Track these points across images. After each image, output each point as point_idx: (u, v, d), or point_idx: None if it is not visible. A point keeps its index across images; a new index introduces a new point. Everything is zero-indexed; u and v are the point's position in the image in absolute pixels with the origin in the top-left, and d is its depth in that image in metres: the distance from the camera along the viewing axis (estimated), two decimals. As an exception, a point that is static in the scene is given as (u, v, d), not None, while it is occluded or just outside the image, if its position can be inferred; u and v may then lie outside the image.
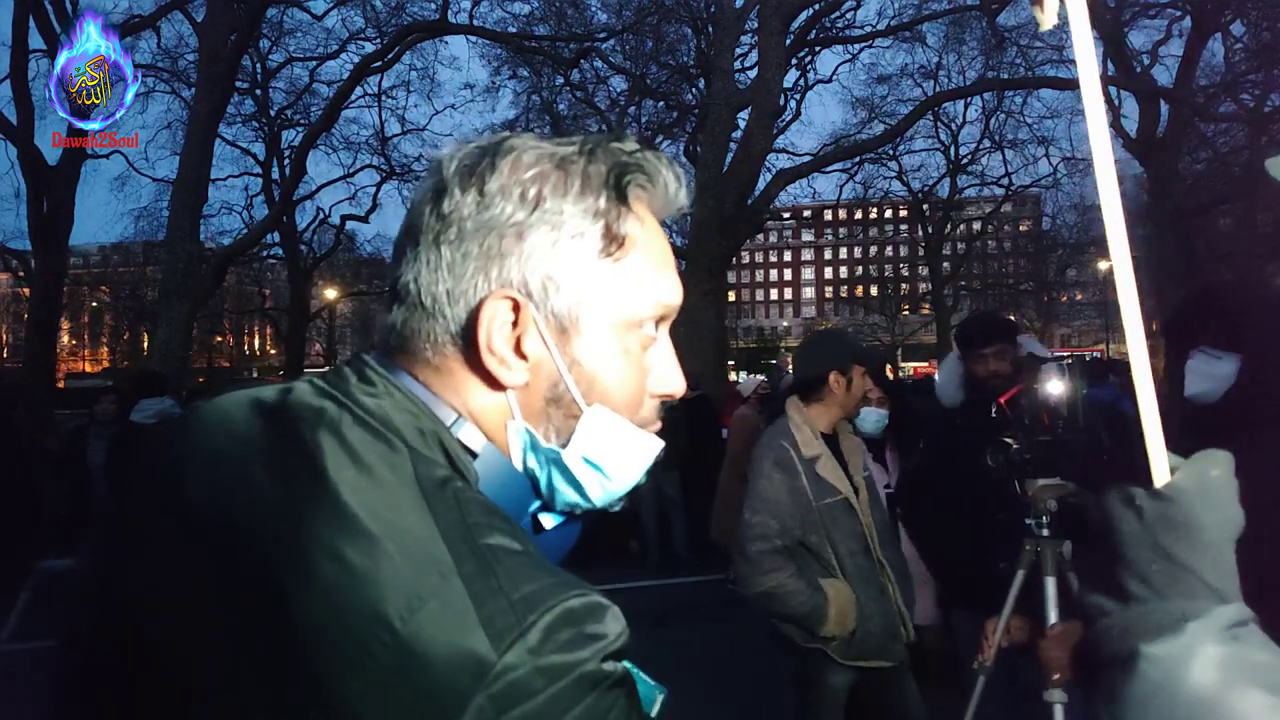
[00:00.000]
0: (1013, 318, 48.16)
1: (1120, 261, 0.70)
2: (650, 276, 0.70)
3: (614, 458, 0.70)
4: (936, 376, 3.30)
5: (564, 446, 0.69)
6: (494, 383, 0.67)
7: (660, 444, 0.74)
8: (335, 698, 0.55)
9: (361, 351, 0.72)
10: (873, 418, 3.64)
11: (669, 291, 0.72)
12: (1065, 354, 2.91)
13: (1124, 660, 0.65)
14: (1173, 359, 3.31)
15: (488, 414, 0.68)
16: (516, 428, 0.68)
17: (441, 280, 0.66)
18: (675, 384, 0.75)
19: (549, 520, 0.73)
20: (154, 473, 0.71)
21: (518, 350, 0.66)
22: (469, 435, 0.67)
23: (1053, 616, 2.00)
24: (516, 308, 0.66)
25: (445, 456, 0.65)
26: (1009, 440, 2.00)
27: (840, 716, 2.69)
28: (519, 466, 0.69)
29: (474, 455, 0.67)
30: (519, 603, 0.55)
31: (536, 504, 0.71)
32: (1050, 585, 2.01)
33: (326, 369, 0.75)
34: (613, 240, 0.67)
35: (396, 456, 0.62)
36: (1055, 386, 1.97)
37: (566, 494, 0.70)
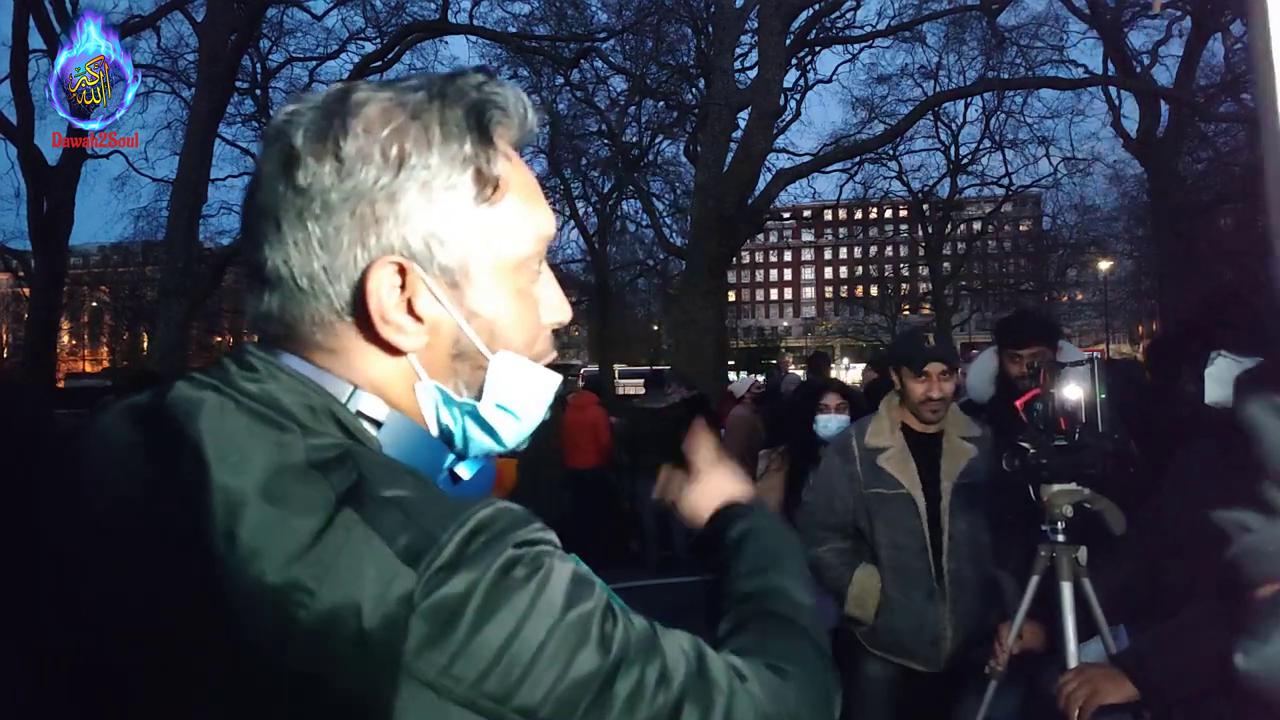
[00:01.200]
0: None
1: None
2: (527, 213, 0.69)
3: (523, 399, 0.70)
4: (968, 371, 3.21)
5: (477, 399, 0.69)
6: (393, 350, 0.66)
7: (555, 379, 0.73)
8: (277, 674, 0.55)
9: (243, 342, 0.71)
10: (832, 425, 3.55)
11: (545, 222, 0.71)
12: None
13: None
14: (1189, 362, 3.25)
15: (392, 381, 0.67)
16: (425, 388, 0.67)
17: (316, 259, 0.63)
18: (564, 312, 0.74)
19: (465, 470, 0.73)
20: (58, 503, 0.69)
21: (412, 314, 0.65)
22: (369, 405, 0.65)
23: (1069, 624, 1.95)
24: (403, 271, 0.64)
25: (341, 430, 0.63)
26: (1025, 445, 1.95)
27: (876, 706, 2.70)
28: (433, 425, 0.69)
29: (379, 424, 0.65)
30: (430, 527, 0.56)
31: (451, 458, 0.71)
32: (1066, 592, 1.97)
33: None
34: (486, 184, 0.66)
35: (286, 435, 0.61)
36: (1074, 391, 1.93)
37: (483, 442, 0.70)
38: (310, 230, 0.63)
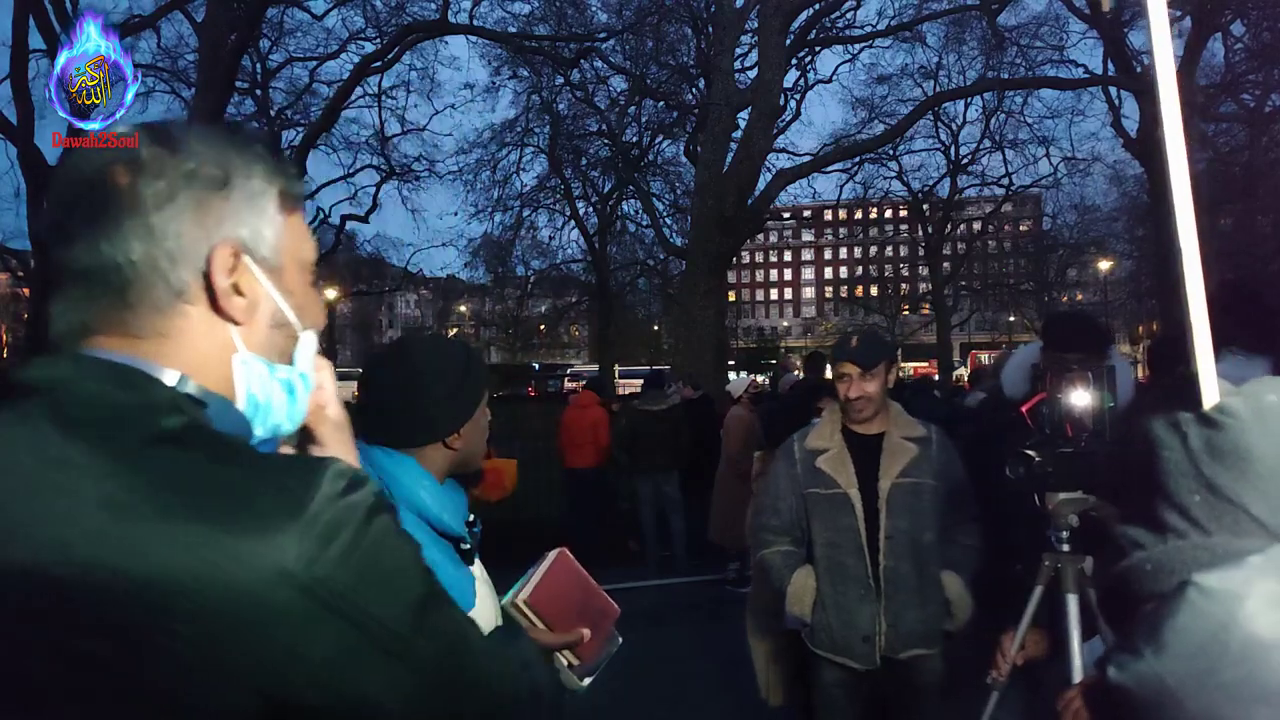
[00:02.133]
0: (1013, 318, 47.59)
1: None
2: (307, 229, 0.85)
3: (308, 377, 0.84)
4: (1006, 363, 3.09)
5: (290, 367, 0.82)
6: (218, 329, 0.76)
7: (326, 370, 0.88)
8: (177, 673, 0.62)
9: (61, 346, 0.76)
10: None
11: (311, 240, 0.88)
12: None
13: (1169, 593, 0.60)
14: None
15: (213, 361, 0.76)
16: (244, 359, 0.78)
17: (159, 248, 0.73)
18: (323, 319, 0.89)
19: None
20: None
21: (239, 291, 0.76)
22: (194, 389, 0.74)
23: (1074, 635, 1.91)
24: (236, 255, 0.75)
25: (173, 416, 0.70)
26: (1029, 452, 1.89)
27: (834, 714, 2.76)
28: (242, 401, 0.78)
29: (204, 405, 0.74)
30: (290, 484, 0.67)
31: (274, 427, 0.81)
32: (1072, 603, 1.92)
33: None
34: (288, 198, 0.81)
35: (118, 430, 0.67)
36: (1080, 396, 1.86)
37: (279, 416, 0.81)
38: (154, 224, 0.72)
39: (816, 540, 2.73)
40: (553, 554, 1.41)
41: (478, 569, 1.46)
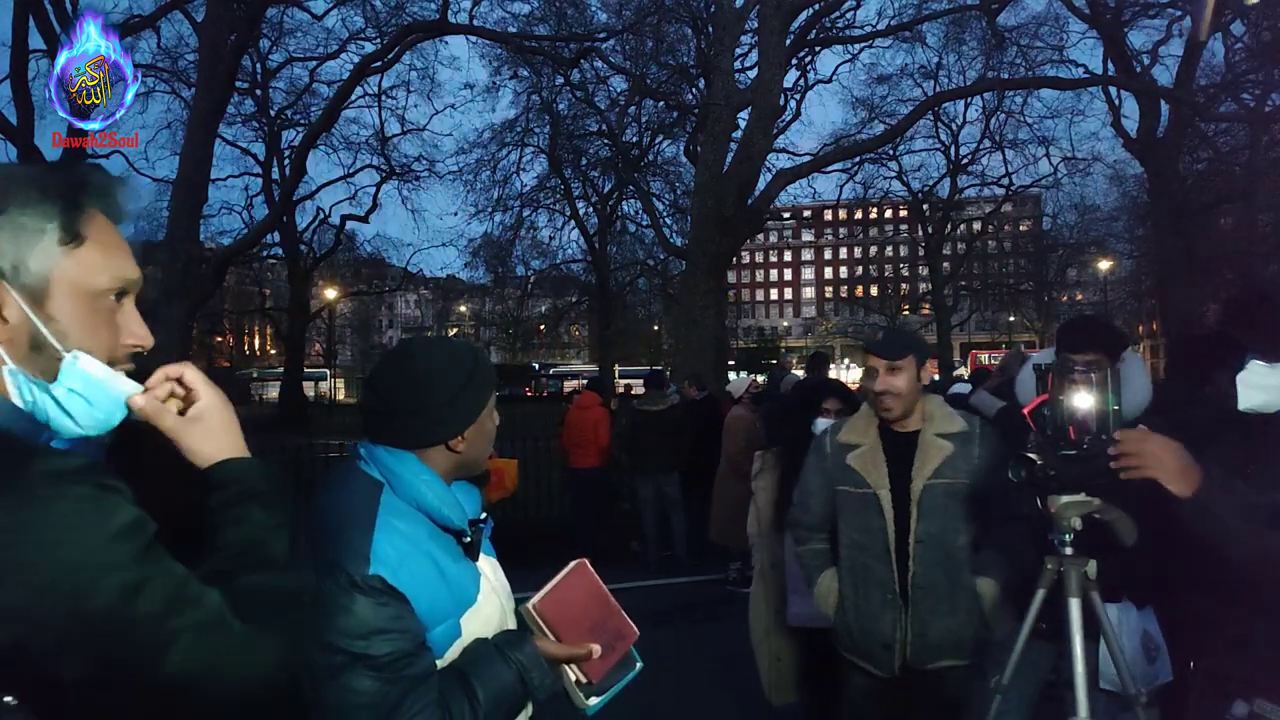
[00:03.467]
0: (1013, 318, 47.40)
1: None
2: (105, 260, 0.96)
3: (96, 391, 0.94)
4: (1010, 364, 3.08)
5: (52, 382, 0.92)
6: None
7: (135, 386, 0.98)
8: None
9: None
10: (821, 428, 3.49)
11: (123, 269, 0.98)
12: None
13: None
14: (1219, 367, 3.20)
15: None
16: (9, 371, 0.91)
17: None
18: (142, 338, 1.01)
19: (60, 446, 0.94)
20: None
21: (2, 315, 0.90)
22: None
23: (1077, 641, 1.88)
24: None
25: None
26: (1031, 455, 1.85)
27: (859, 713, 2.67)
28: (20, 402, 0.91)
29: None
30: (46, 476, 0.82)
31: (47, 434, 0.92)
32: (1075, 609, 1.89)
33: None
34: (70, 235, 0.93)
35: None
36: (1083, 398, 1.80)
37: (62, 420, 0.93)
38: None
39: (842, 540, 2.64)
40: (572, 564, 1.38)
41: (487, 566, 1.45)
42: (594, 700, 1.37)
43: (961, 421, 2.58)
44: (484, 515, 1.46)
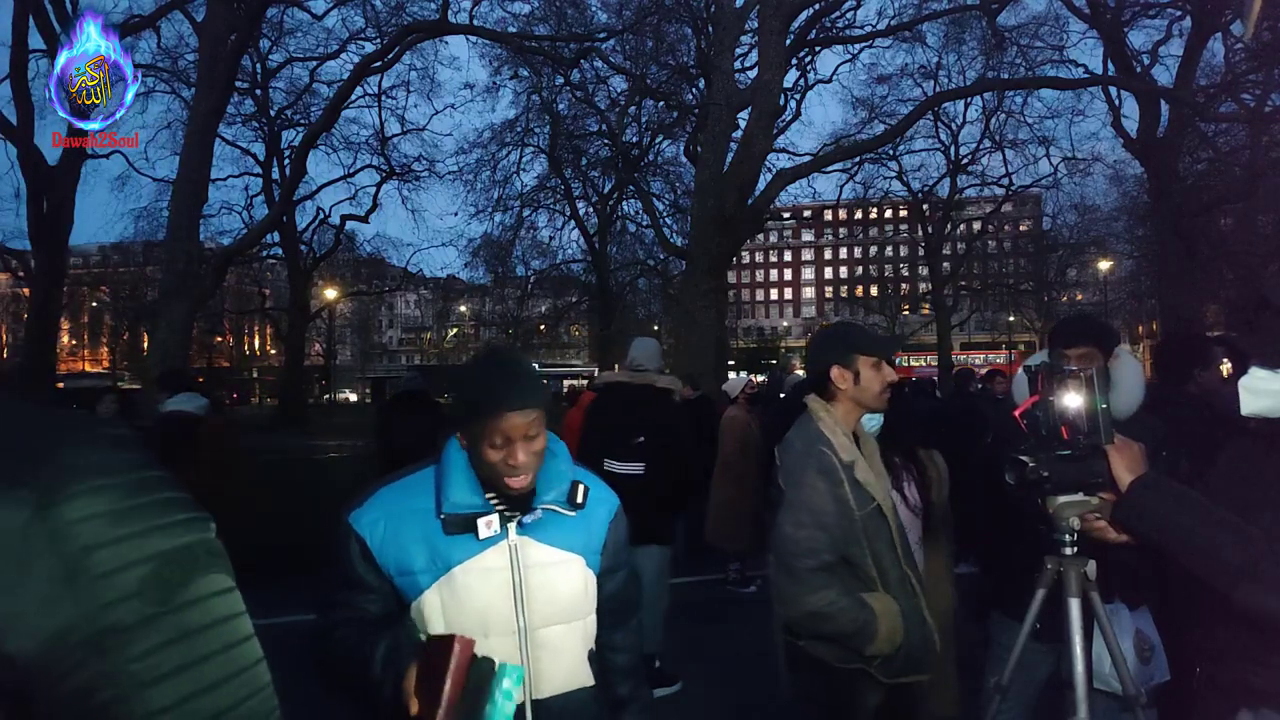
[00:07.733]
0: (1013, 318, 47.26)
1: None
2: None
3: None
4: (1016, 373, 3.06)
5: None
6: None
7: None
8: None
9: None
10: (870, 423, 3.38)
11: None
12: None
13: None
14: (1200, 365, 3.18)
15: None
16: None
17: None
18: None
19: None
20: None
21: None
22: None
23: (1077, 644, 1.89)
24: None
25: None
26: (1024, 458, 1.83)
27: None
28: None
29: None
30: None
31: None
32: (1074, 609, 1.90)
33: None
34: None
35: None
36: (1074, 399, 1.80)
37: None
38: None
39: (884, 564, 2.37)
40: (462, 639, 1.39)
41: (498, 556, 1.56)
42: None
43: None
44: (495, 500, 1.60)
